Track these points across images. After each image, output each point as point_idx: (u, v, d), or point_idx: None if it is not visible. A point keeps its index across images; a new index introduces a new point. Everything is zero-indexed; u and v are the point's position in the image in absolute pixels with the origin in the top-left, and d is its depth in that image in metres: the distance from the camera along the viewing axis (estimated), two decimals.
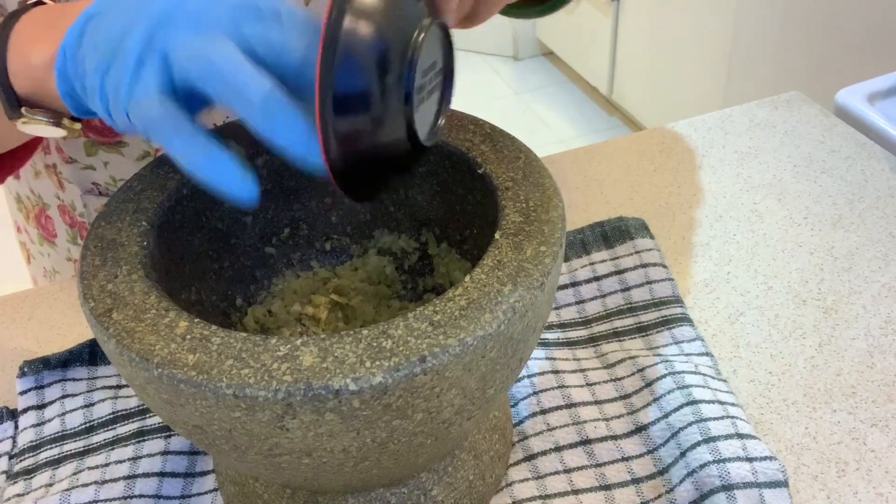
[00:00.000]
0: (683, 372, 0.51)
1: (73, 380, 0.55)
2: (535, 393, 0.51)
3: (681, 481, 0.45)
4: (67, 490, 0.47)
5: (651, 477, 0.47)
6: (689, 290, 0.60)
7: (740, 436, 0.46)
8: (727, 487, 0.44)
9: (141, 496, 0.47)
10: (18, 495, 0.48)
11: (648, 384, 0.51)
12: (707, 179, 0.71)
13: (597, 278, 0.59)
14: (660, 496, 0.46)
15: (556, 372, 0.52)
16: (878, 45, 1.78)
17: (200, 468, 0.49)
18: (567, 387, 0.51)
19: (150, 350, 0.33)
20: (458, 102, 0.41)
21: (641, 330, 0.56)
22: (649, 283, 0.58)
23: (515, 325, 0.34)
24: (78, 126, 0.44)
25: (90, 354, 0.56)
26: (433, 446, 0.37)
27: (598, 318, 0.57)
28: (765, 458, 0.45)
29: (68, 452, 0.51)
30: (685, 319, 0.56)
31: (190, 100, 0.36)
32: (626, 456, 0.48)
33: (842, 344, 0.55)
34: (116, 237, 0.40)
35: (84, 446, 0.51)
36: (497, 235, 0.38)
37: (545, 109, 2.49)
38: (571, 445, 0.48)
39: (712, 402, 0.48)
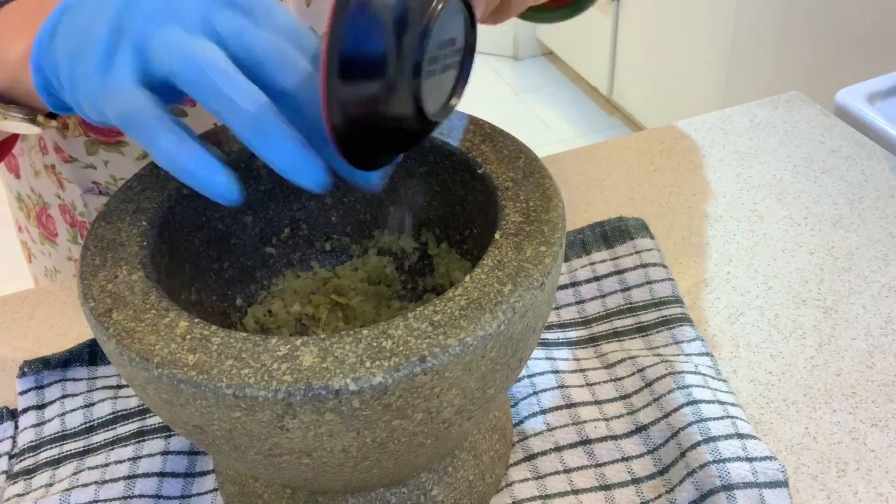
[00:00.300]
0: (683, 372, 0.51)
1: (73, 380, 0.55)
2: (535, 393, 0.51)
3: (681, 481, 0.45)
4: (67, 490, 0.47)
5: (651, 477, 0.47)
6: (689, 290, 0.60)
7: (740, 436, 0.46)
8: (727, 487, 0.44)
9: (141, 496, 0.47)
10: (18, 495, 0.48)
11: (648, 384, 0.51)
12: (707, 179, 0.71)
13: (597, 278, 0.59)
14: (660, 496, 0.46)
15: (556, 372, 0.52)
16: (878, 45, 1.78)
17: (200, 468, 0.49)
18: (567, 387, 0.51)
19: (150, 350, 0.33)
20: (459, 102, 0.41)
21: (641, 330, 0.56)
22: (649, 283, 0.58)
23: (515, 325, 0.34)
24: (54, 122, 0.43)
25: (90, 354, 0.56)
26: (433, 446, 0.37)
27: (598, 318, 0.57)
28: (765, 458, 0.45)
29: (68, 452, 0.51)
30: (685, 319, 0.56)
31: (165, 90, 0.35)
32: (626, 456, 0.48)
33: (842, 344, 0.55)
34: (116, 237, 0.40)
35: (84, 446, 0.51)
36: (497, 235, 0.38)
37: (545, 109, 2.49)
38: (571, 445, 0.48)
39: (712, 402, 0.48)
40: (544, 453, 0.48)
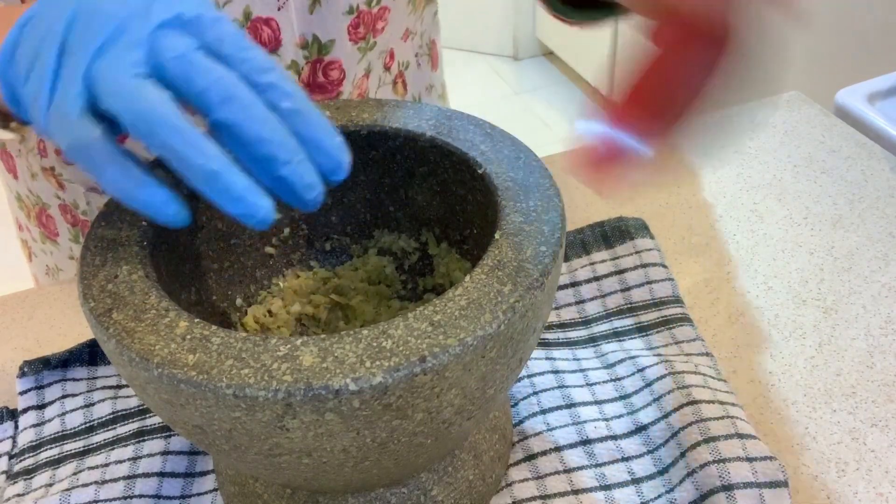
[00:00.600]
0: (683, 372, 0.51)
1: (73, 380, 0.55)
2: (535, 393, 0.51)
3: (681, 481, 0.45)
4: (67, 490, 0.47)
5: (651, 477, 0.47)
6: (689, 290, 0.60)
7: (740, 436, 0.46)
8: (727, 487, 0.44)
9: (141, 496, 0.47)
10: (18, 495, 0.48)
11: (648, 384, 0.51)
12: (707, 179, 0.71)
13: (597, 278, 0.59)
14: (660, 496, 0.46)
15: (556, 372, 0.52)
16: (878, 45, 1.78)
17: (200, 468, 0.49)
18: (567, 387, 0.51)
19: (150, 350, 0.33)
20: (459, 102, 0.41)
21: (641, 330, 0.56)
22: (649, 283, 0.58)
23: (515, 325, 0.34)
24: (26, 129, 0.43)
25: (90, 354, 0.56)
26: (433, 446, 0.37)
27: (598, 318, 0.57)
28: (765, 458, 0.45)
29: (68, 452, 0.51)
30: (685, 319, 0.56)
31: (113, 121, 0.35)
32: (626, 456, 0.48)
33: (842, 344, 0.55)
34: (116, 237, 0.40)
35: (84, 446, 0.51)
36: (497, 235, 0.38)
37: (545, 109, 2.49)
38: (571, 445, 0.48)
39: (712, 402, 0.48)
40: (544, 453, 0.48)
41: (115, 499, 0.47)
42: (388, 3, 0.65)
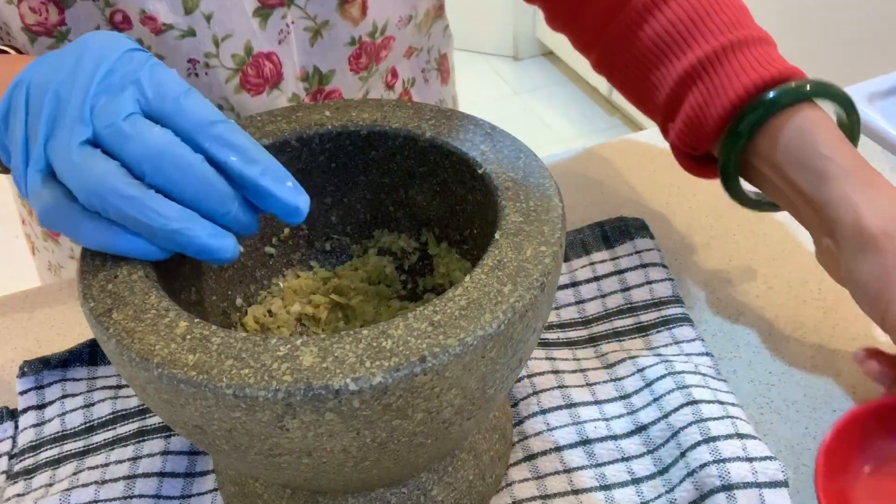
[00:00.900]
0: (683, 372, 0.51)
1: (73, 380, 0.55)
2: (535, 393, 0.51)
3: (681, 481, 0.45)
4: (67, 490, 0.47)
5: (651, 477, 0.47)
6: (689, 290, 0.60)
7: (740, 436, 0.46)
8: (727, 487, 0.44)
9: (141, 496, 0.47)
10: (18, 495, 0.48)
11: (648, 384, 0.51)
12: (707, 179, 0.71)
13: (597, 278, 0.59)
14: (660, 496, 0.46)
15: (556, 372, 0.52)
16: (878, 45, 1.78)
17: (200, 468, 0.49)
18: (567, 387, 0.51)
19: (150, 350, 0.33)
20: (459, 102, 0.41)
21: (641, 330, 0.56)
22: (649, 283, 0.58)
23: (515, 325, 0.34)
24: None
25: (90, 354, 0.56)
26: (433, 446, 0.37)
27: (598, 318, 0.57)
28: (765, 458, 0.45)
29: (68, 452, 0.51)
30: (685, 319, 0.56)
31: None
32: (626, 456, 0.48)
33: (842, 344, 0.55)
34: None
35: (84, 446, 0.51)
36: (497, 235, 0.38)
37: (545, 109, 2.49)
38: (571, 445, 0.48)
39: (712, 402, 0.48)
40: (544, 453, 0.48)
41: (115, 499, 0.47)
42: (392, 32, 0.65)
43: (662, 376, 0.51)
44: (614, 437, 0.49)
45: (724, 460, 0.45)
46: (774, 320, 0.57)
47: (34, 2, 0.52)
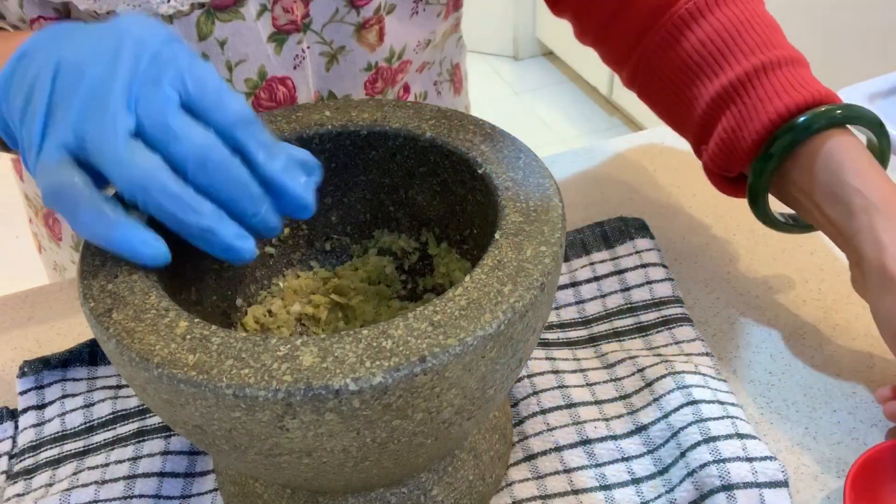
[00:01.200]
0: (683, 372, 0.51)
1: (73, 380, 0.55)
2: (535, 393, 0.51)
3: (681, 481, 0.45)
4: (67, 490, 0.47)
5: (651, 477, 0.47)
6: (689, 290, 0.60)
7: (740, 436, 0.46)
8: (727, 487, 0.44)
9: (141, 496, 0.47)
10: (18, 495, 0.48)
11: (648, 384, 0.51)
12: (707, 179, 0.71)
13: (597, 278, 0.59)
14: (660, 496, 0.46)
15: (556, 372, 0.52)
16: (878, 45, 1.78)
17: (200, 468, 0.49)
18: (567, 387, 0.51)
19: (150, 350, 0.33)
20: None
21: (641, 330, 0.56)
22: (649, 283, 0.58)
23: (515, 325, 0.34)
24: (13, 153, 0.44)
25: (90, 354, 0.56)
26: (433, 446, 0.37)
27: (598, 318, 0.57)
28: (765, 458, 0.45)
29: (68, 452, 0.51)
30: (685, 319, 0.56)
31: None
32: (626, 456, 0.48)
33: (842, 344, 0.55)
34: None
35: (84, 446, 0.51)
36: (497, 235, 0.38)
37: (545, 109, 2.49)
38: (571, 445, 0.48)
39: (712, 402, 0.48)
40: (544, 453, 0.48)
41: (115, 499, 0.47)
42: (409, 56, 0.64)
43: (662, 376, 0.51)
44: (614, 437, 0.49)
45: (724, 460, 0.45)
46: (774, 320, 0.57)
47: (46, 24, 0.52)
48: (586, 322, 0.57)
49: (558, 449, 0.48)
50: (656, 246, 0.61)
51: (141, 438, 0.50)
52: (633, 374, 0.52)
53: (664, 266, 0.59)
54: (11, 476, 0.50)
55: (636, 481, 0.47)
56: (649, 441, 0.48)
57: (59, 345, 0.59)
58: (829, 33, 1.76)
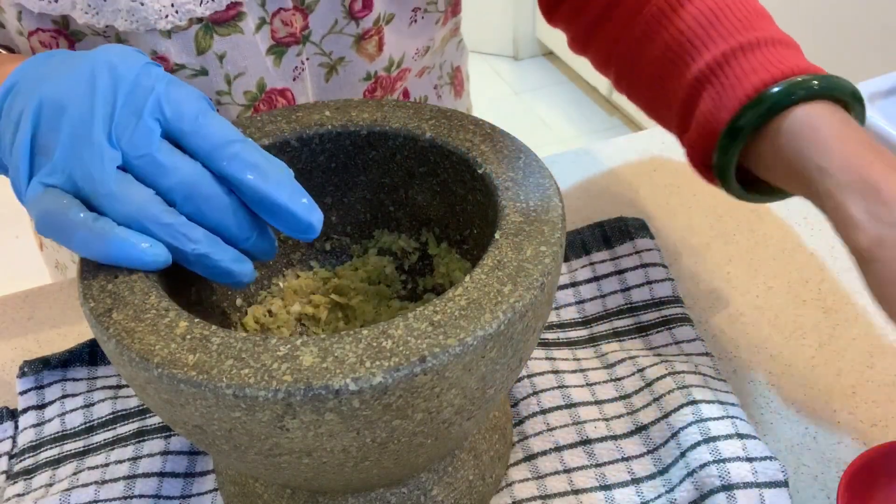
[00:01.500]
0: (683, 372, 0.51)
1: (73, 380, 0.55)
2: (535, 393, 0.51)
3: (681, 481, 0.45)
4: (67, 490, 0.47)
5: (651, 477, 0.47)
6: (689, 290, 0.60)
7: (740, 436, 0.46)
8: (727, 487, 0.44)
9: (141, 496, 0.47)
10: (18, 495, 0.48)
11: (648, 384, 0.51)
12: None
13: (597, 278, 0.59)
14: (660, 496, 0.46)
15: (556, 372, 0.52)
16: (878, 45, 1.78)
17: (200, 468, 0.49)
18: (567, 387, 0.51)
19: (150, 350, 0.33)
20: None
21: (641, 330, 0.56)
22: (649, 283, 0.58)
23: (515, 325, 0.34)
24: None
25: (90, 354, 0.56)
26: (433, 446, 0.37)
27: (598, 318, 0.57)
28: (765, 458, 0.45)
29: (68, 452, 0.51)
30: (685, 319, 0.56)
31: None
32: (626, 456, 0.48)
33: (842, 344, 0.55)
34: None
35: (84, 446, 0.51)
36: (497, 235, 0.38)
37: (545, 109, 2.49)
38: (571, 445, 0.48)
39: (712, 402, 0.48)
40: (544, 453, 0.48)
41: (115, 499, 0.47)
42: (408, 64, 0.64)
43: (662, 376, 0.51)
44: (614, 437, 0.49)
45: (724, 460, 0.45)
46: (774, 320, 0.57)
47: (45, 36, 0.52)
48: (586, 322, 0.57)
49: (558, 449, 0.48)
50: (656, 246, 0.61)
51: (141, 438, 0.50)
52: (633, 374, 0.52)
53: (664, 266, 0.59)
54: (11, 476, 0.50)
55: (636, 481, 0.47)
56: (649, 441, 0.48)
57: (60, 345, 0.59)
58: (829, 33, 1.76)
